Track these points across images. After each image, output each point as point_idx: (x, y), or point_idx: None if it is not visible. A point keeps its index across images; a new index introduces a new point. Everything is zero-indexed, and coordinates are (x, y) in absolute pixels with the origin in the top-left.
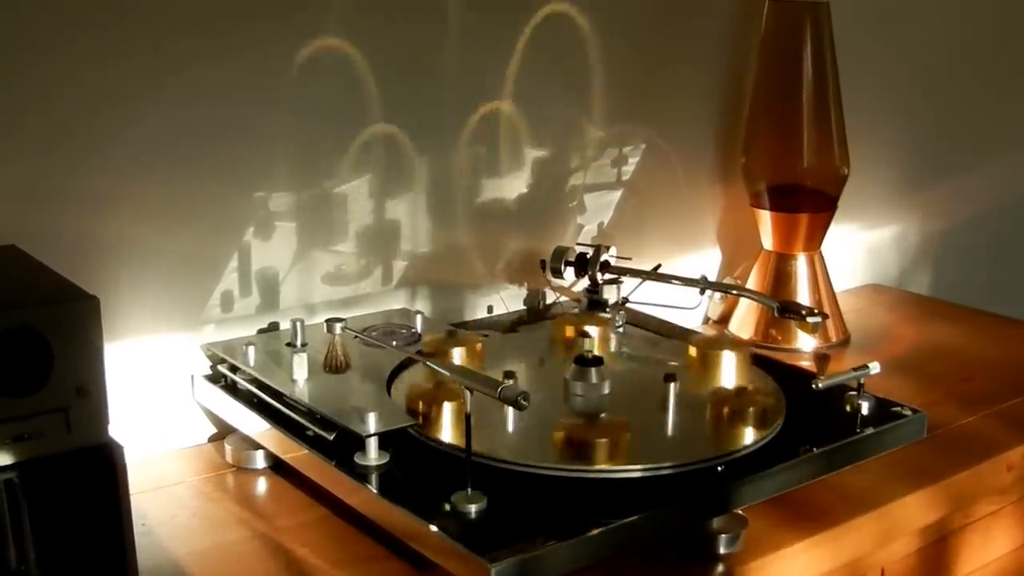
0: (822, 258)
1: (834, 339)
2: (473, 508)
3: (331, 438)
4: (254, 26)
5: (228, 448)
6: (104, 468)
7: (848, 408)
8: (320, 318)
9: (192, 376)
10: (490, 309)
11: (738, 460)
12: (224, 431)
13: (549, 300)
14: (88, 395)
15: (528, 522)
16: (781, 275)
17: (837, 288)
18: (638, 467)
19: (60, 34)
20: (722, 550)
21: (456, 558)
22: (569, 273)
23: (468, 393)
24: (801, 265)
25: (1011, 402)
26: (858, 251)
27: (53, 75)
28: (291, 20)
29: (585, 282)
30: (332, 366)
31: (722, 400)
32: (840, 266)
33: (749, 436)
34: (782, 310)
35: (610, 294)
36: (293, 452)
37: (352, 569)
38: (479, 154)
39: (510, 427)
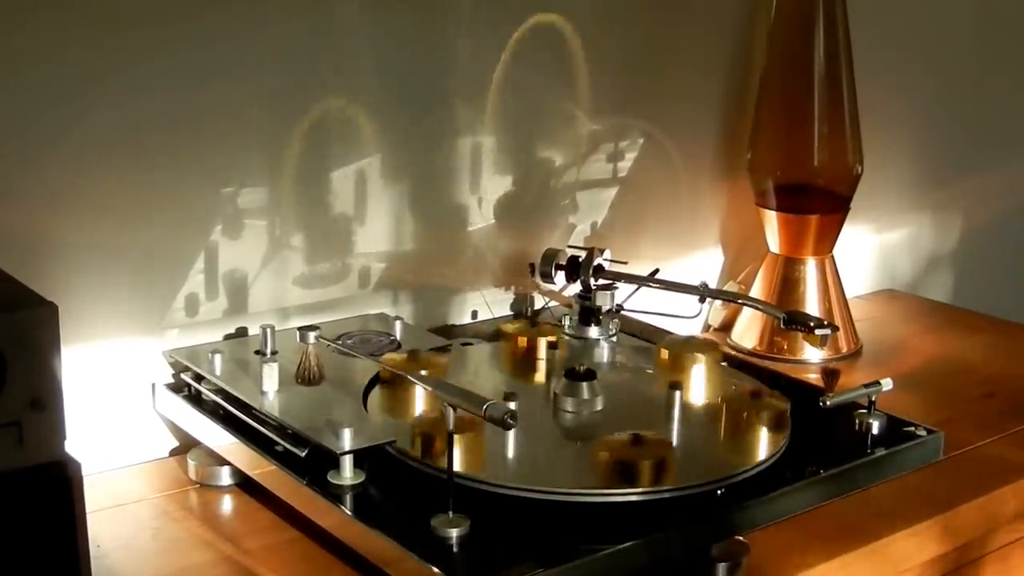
0: (833, 262)
1: (845, 350)
2: (455, 533)
3: (303, 454)
4: (220, 11)
5: (191, 463)
6: (59, 487)
7: (858, 427)
8: (292, 323)
9: (153, 385)
10: (474, 314)
11: (740, 483)
12: (187, 445)
13: (538, 305)
14: (43, 408)
15: (513, 548)
16: (789, 280)
17: (849, 294)
18: (633, 490)
19: (7, 19)
20: None
21: None
22: (560, 277)
23: (451, 410)
24: (810, 270)
25: None
26: (871, 255)
27: (1, 63)
28: (263, 7)
29: (577, 287)
30: (305, 378)
31: (724, 417)
32: (852, 271)
33: (752, 457)
34: (789, 321)
35: (603, 301)
36: (262, 468)
37: None
38: (464, 148)
39: (496, 447)
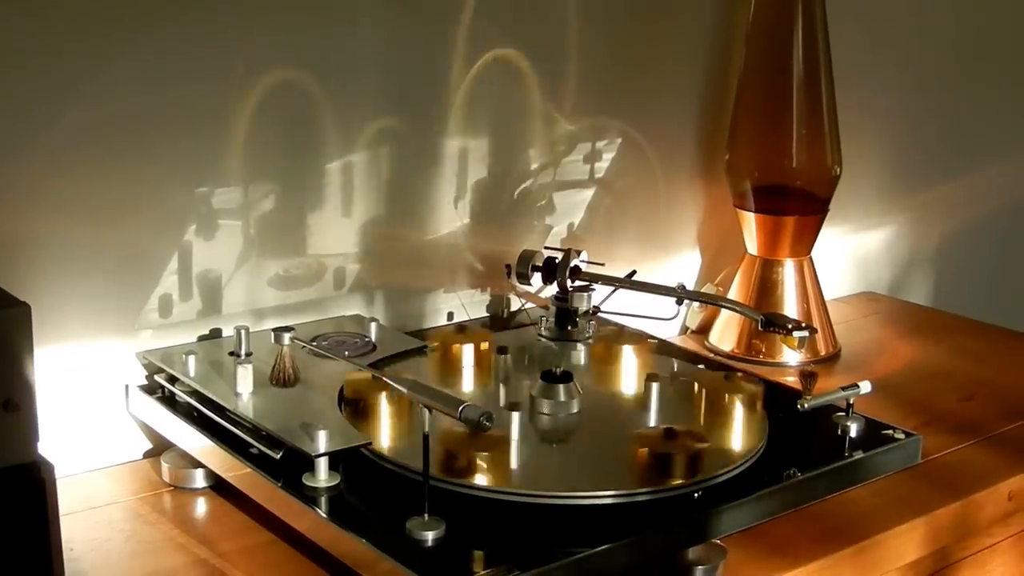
0: (811, 264)
1: (823, 352)
2: (430, 535)
3: (277, 457)
4: (196, 13)
5: (165, 465)
6: (32, 489)
7: (836, 430)
8: (266, 324)
9: (126, 386)
10: (450, 316)
11: (717, 485)
12: (161, 447)
13: (514, 307)
14: (17, 409)
15: (490, 551)
16: (766, 282)
17: (827, 297)
18: (609, 492)
19: None
20: None
21: None
22: (536, 279)
23: (427, 412)
24: (788, 272)
25: (1016, 424)
26: (850, 257)
27: None
28: (238, 6)
29: (553, 289)
30: (280, 379)
31: (702, 418)
32: (830, 273)
33: (729, 459)
34: (766, 323)
35: (580, 302)
36: (236, 471)
37: None
38: (441, 148)
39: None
